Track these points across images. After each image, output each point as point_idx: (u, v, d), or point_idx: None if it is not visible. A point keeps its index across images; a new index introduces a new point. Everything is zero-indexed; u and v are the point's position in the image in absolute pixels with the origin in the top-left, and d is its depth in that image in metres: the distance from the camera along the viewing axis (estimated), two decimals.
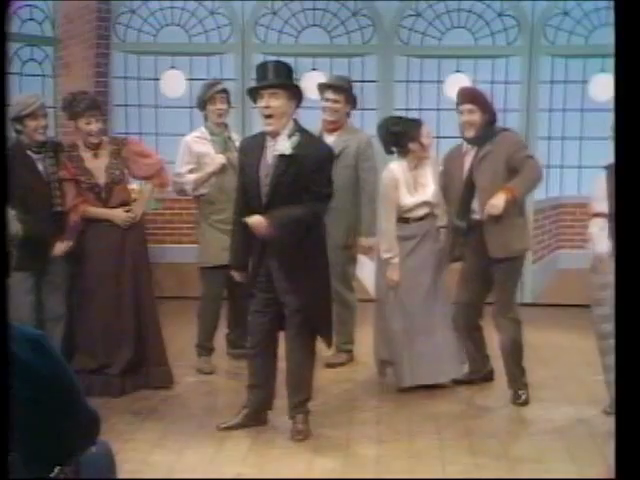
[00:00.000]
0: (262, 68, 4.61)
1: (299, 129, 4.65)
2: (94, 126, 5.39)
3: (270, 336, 4.82)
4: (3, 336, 2.02)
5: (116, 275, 5.46)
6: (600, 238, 4.88)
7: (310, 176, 4.54)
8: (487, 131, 5.38)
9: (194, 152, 5.98)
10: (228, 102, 6.11)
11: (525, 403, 5.42)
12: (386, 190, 5.54)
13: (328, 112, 6.03)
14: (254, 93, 4.61)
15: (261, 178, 4.59)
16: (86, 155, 5.45)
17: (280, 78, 4.56)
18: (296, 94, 4.62)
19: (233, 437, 4.79)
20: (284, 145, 4.54)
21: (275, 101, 4.50)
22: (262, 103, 4.52)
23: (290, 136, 4.57)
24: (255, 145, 4.69)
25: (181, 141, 6.09)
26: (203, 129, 6.08)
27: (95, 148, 5.46)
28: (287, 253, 4.61)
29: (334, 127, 6.05)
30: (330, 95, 6.01)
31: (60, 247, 5.33)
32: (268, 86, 4.53)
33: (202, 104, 6.03)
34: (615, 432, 2.30)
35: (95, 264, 5.45)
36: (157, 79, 8.59)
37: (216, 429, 4.86)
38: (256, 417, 4.89)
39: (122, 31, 8.53)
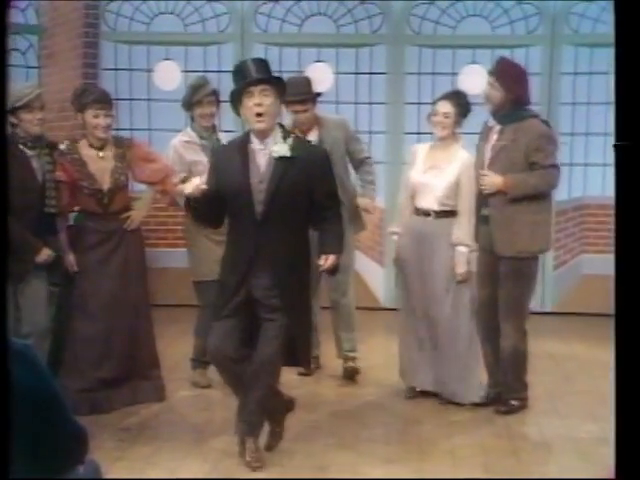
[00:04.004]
0: (244, 66, 4.58)
1: (287, 131, 4.70)
2: (101, 120, 5.41)
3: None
4: (3, 337, 2.05)
5: (110, 285, 5.48)
6: None
7: (310, 179, 4.54)
8: (513, 112, 5.37)
9: (186, 160, 5.95)
10: (217, 103, 6.09)
11: (508, 413, 5.45)
12: (408, 165, 5.80)
13: (299, 123, 6.02)
14: (239, 93, 4.52)
15: (253, 185, 4.52)
16: (90, 155, 5.46)
17: (267, 75, 4.57)
18: (282, 93, 4.64)
19: (230, 455, 4.80)
20: (282, 147, 4.51)
21: (266, 99, 4.48)
22: (253, 101, 4.46)
23: (285, 137, 4.57)
24: (236, 149, 4.62)
25: (169, 146, 6.01)
26: (190, 131, 6.03)
27: (100, 147, 5.48)
28: (281, 268, 4.56)
29: (309, 127, 6.05)
30: (299, 107, 5.97)
31: (46, 253, 5.33)
32: (258, 82, 4.49)
33: (188, 106, 6.02)
34: (615, 433, 2.38)
35: (89, 273, 5.46)
36: (150, 71, 8.61)
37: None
38: None
39: (112, 19, 8.55)
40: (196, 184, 4.46)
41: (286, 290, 4.56)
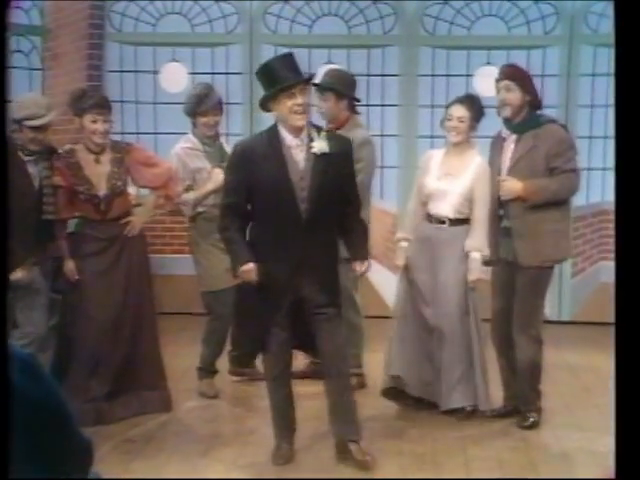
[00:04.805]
0: (277, 65, 4.59)
1: (315, 125, 4.80)
2: (100, 125, 5.42)
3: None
4: (3, 339, 2.06)
5: (113, 293, 5.48)
6: None
7: (343, 173, 4.69)
8: (530, 118, 5.38)
9: (189, 167, 5.96)
10: (222, 111, 6.12)
11: (531, 427, 5.45)
12: (419, 170, 5.76)
13: (321, 113, 6.04)
14: (280, 90, 4.57)
15: (294, 182, 4.58)
16: (87, 160, 5.47)
17: (302, 74, 4.67)
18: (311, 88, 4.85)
19: (239, 467, 4.81)
20: (321, 143, 4.60)
21: (305, 97, 4.59)
22: (295, 101, 4.52)
23: (319, 132, 4.67)
24: (267, 147, 4.65)
25: (171, 155, 6.01)
26: (192, 137, 6.04)
27: (98, 152, 5.49)
28: (327, 264, 4.69)
29: (334, 127, 5.99)
30: (317, 94, 5.98)
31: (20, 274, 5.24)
32: (302, 81, 4.61)
33: (192, 115, 6.02)
34: (615, 432, 2.41)
35: (91, 281, 5.47)
36: (156, 72, 8.64)
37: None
38: None
39: (118, 20, 8.59)
40: (249, 270, 4.59)
41: (332, 285, 4.73)
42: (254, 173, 4.60)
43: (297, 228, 4.57)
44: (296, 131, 4.61)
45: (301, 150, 4.62)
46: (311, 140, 4.62)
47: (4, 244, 2.53)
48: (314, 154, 4.59)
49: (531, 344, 5.45)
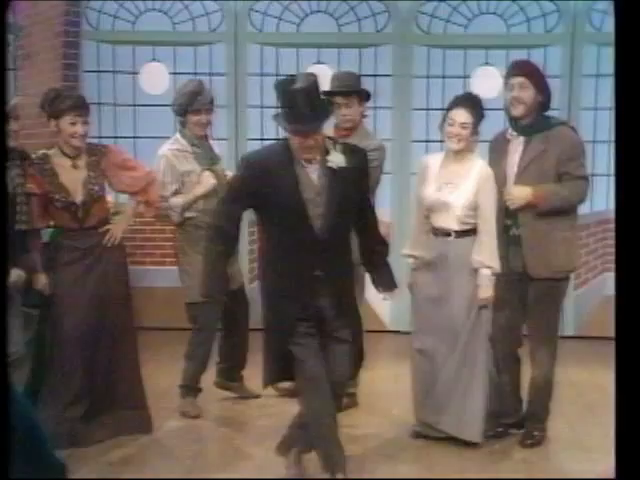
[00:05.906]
0: (300, 104, 4.41)
1: (330, 137, 4.75)
2: (79, 128, 5.38)
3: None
4: (3, 338, 2.04)
5: (89, 307, 5.43)
6: None
7: (359, 187, 4.67)
8: (539, 119, 5.37)
9: (178, 170, 5.96)
10: (213, 110, 6.13)
11: (534, 445, 5.45)
12: (416, 180, 5.64)
13: (342, 120, 5.96)
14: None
15: (309, 199, 4.53)
16: (62, 165, 5.43)
17: (324, 114, 4.55)
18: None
19: None
20: (337, 157, 4.56)
21: (319, 137, 4.50)
22: (305, 142, 4.46)
23: (334, 145, 4.63)
24: (279, 164, 4.56)
25: (159, 156, 6.01)
26: (180, 138, 6.04)
27: (75, 156, 5.46)
28: (342, 282, 4.68)
29: (347, 133, 5.95)
30: (340, 100, 5.90)
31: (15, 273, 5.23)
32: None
33: (183, 113, 6.02)
34: (615, 432, 2.50)
35: (66, 295, 5.42)
36: (136, 73, 8.63)
37: None
38: None
39: (95, 17, 8.57)
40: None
41: (348, 305, 4.73)
42: (264, 189, 4.54)
43: (311, 246, 4.55)
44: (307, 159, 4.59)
45: (316, 165, 4.57)
46: (326, 153, 4.57)
47: (5, 244, 2.52)
48: (330, 168, 4.56)
49: (548, 360, 5.46)
